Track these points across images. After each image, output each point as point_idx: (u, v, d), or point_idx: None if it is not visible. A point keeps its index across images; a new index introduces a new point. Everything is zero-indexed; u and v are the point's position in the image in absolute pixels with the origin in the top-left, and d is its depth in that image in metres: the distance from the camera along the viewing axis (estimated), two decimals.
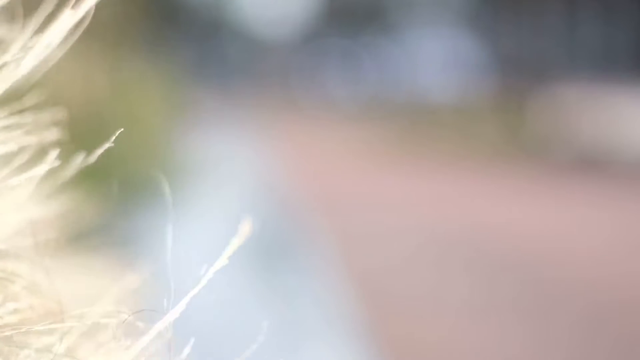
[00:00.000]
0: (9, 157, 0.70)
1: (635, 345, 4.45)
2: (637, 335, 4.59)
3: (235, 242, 0.68)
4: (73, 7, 0.64)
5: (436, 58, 21.42)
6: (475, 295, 5.31)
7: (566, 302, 5.13)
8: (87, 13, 0.64)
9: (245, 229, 0.70)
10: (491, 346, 4.40)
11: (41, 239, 0.70)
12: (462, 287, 5.49)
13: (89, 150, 0.70)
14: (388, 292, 5.39)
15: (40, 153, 0.68)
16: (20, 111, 0.70)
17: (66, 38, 0.64)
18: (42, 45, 0.64)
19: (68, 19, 0.64)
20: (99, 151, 0.66)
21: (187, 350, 0.66)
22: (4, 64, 0.64)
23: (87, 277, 0.66)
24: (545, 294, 5.30)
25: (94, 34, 6.50)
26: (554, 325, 4.70)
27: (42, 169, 0.66)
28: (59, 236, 0.69)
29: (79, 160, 0.68)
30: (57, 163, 0.63)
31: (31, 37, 0.65)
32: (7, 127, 0.70)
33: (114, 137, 0.63)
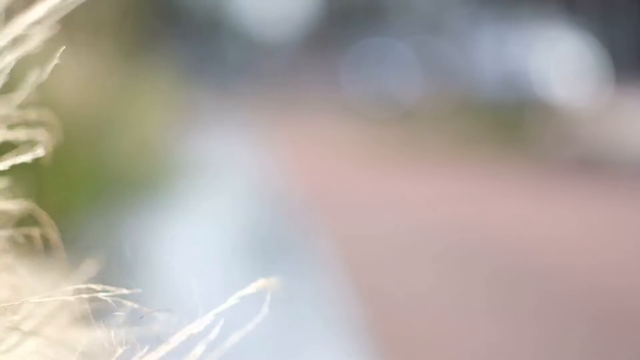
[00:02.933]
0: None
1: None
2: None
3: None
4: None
5: (438, 60, 21.42)
6: (476, 295, 5.30)
7: (570, 303, 5.13)
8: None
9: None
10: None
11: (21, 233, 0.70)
12: (460, 285, 5.49)
13: (88, 150, 0.70)
14: (385, 290, 5.40)
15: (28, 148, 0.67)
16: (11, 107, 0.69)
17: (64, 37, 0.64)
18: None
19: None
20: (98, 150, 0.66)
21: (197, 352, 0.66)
22: None
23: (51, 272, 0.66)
24: (546, 293, 5.30)
25: (93, 34, 6.50)
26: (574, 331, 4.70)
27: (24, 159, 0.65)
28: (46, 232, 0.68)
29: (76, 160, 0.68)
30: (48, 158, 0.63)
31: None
32: None
33: (112, 138, 0.63)
